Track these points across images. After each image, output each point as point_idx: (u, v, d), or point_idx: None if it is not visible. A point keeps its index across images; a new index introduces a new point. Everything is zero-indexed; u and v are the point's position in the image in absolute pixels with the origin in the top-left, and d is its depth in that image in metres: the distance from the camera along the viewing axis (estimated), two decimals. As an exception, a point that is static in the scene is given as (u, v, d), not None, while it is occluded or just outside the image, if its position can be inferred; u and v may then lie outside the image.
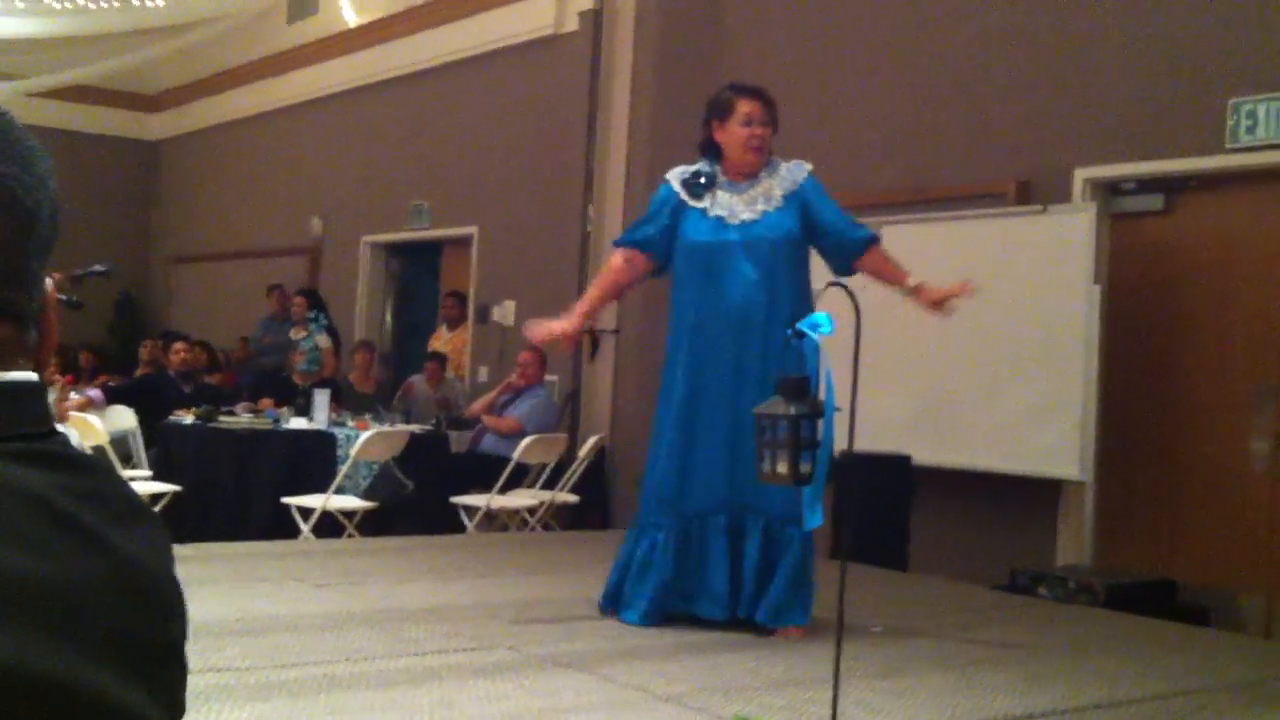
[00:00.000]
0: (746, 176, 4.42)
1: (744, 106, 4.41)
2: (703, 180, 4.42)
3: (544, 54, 9.85)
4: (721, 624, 4.35)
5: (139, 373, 10.65)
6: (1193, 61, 6.08)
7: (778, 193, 4.38)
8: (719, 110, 4.46)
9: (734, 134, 4.40)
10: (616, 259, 4.62)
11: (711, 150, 4.48)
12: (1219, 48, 5.99)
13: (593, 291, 4.70)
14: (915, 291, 4.41)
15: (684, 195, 4.44)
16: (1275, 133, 5.74)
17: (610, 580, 4.53)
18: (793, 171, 4.45)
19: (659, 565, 4.38)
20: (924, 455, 6.53)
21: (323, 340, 10.27)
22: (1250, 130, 5.82)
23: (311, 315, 10.31)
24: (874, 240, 4.50)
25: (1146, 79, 6.26)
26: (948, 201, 6.99)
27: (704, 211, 4.41)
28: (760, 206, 4.37)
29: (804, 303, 4.32)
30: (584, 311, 4.57)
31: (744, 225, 4.35)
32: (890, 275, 4.46)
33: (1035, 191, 6.64)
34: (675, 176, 4.50)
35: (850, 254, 4.45)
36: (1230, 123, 5.88)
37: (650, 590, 4.37)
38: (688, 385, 4.40)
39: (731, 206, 4.38)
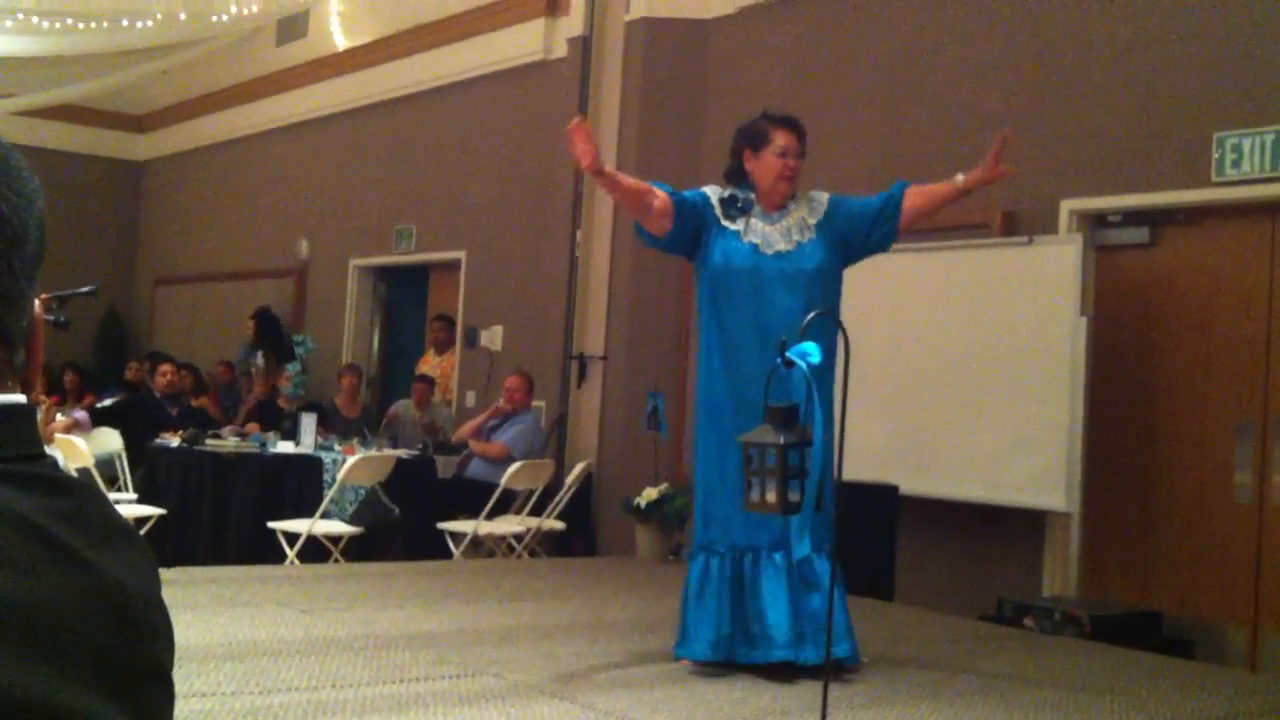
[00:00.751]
0: (777, 206, 4.43)
1: (780, 139, 4.42)
2: (739, 204, 4.41)
3: (533, 79, 9.88)
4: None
5: (119, 398, 10.60)
6: (1178, 95, 6.13)
7: (810, 221, 4.41)
8: (753, 139, 4.46)
9: (768, 164, 4.41)
10: (652, 191, 4.53)
11: (738, 178, 4.46)
12: (1204, 82, 6.04)
13: (623, 177, 4.57)
14: (967, 184, 4.42)
15: (719, 211, 4.43)
16: (1259, 167, 5.78)
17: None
18: (818, 198, 4.48)
19: (717, 592, 4.29)
20: (910, 485, 6.55)
21: (258, 359, 10.28)
22: (1235, 164, 5.86)
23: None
24: (904, 186, 4.50)
25: (1132, 112, 6.30)
26: (934, 232, 7.01)
27: (739, 235, 4.39)
28: (795, 237, 4.38)
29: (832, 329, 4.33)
30: (611, 172, 4.46)
31: (780, 255, 4.35)
32: (937, 197, 4.47)
33: (1021, 223, 6.68)
34: (712, 191, 4.49)
35: (893, 214, 4.45)
36: (1215, 156, 5.93)
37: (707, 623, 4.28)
38: (724, 410, 4.36)
39: (766, 235, 4.37)
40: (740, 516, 4.25)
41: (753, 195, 4.42)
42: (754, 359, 4.30)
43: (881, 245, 4.54)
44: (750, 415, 4.24)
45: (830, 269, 4.40)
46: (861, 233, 4.44)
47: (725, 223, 4.40)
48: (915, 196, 4.45)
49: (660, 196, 4.38)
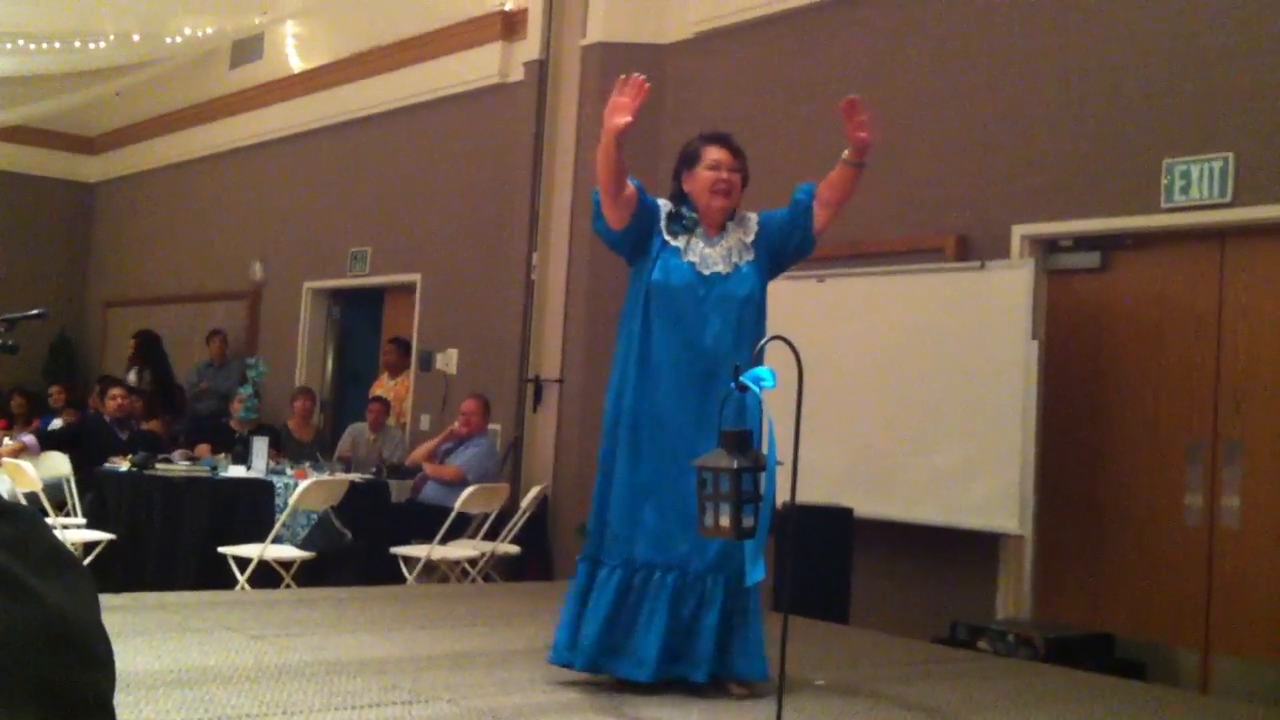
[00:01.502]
0: (717, 227, 4.40)
1: (712, 153, 4.41)
2: (684, 221, 4.40)
3: (489, 102, 9.89)
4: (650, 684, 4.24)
5: (63, 420, 10.48)
6: (1128, 122, 6.21)
7: (747, 240, 4.39)
8: (688, 159, 4.45)
9: (701, 179, 4.38)
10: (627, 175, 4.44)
11: (679, 201, 4.45)
12: (1153, 109, 6.12)
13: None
14: (851, 156, 4.34)
15: (664, 224, 4.41)
16: (1208, 193, 5.86)
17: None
18: (749, 218, 4.45)
19: (597, 604, 4.26)
20: (864, 507, 6.57)
21: (132, 377, 10.21)
22: (1184, 190, 5.94)
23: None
24: (812, 186, 4.44)
25: (1083, 139, 6.37)
26: (886, 257, 7.07)
27: (679, 252, 4.38)
28: (734, 259, 4.36)
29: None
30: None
31: (718, 278, 4.34)
32: (838, 183, 4.37)
33: (973, 247, 6.73)
34: (663, 204, 4.47)
35: (804, 214, 4.40)
36: (1165, 183, 6.00)
37: (591, 627, 4.25)
38: (642, 423, 4.33)
39: (705, 256, 4.35)
40: (642, 533, 4.24)
41: (696, 215, 4.41)
42: (674, 378, 4.28)
43: (802, 249, 4.47)
44: (668, 433, 4.25)
45: (761, 294, 4.39)
46: (785, 241, 4.42)
47: (668, 237, 4.40)
48: (821, 190, 4.41)
49: (630, 187, 4.38)
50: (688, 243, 4.37)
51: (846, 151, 4.33)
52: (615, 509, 4.32)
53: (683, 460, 4.14)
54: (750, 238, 4.39)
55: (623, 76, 4.31)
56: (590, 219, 4.56)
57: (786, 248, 4.43)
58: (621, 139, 4.25)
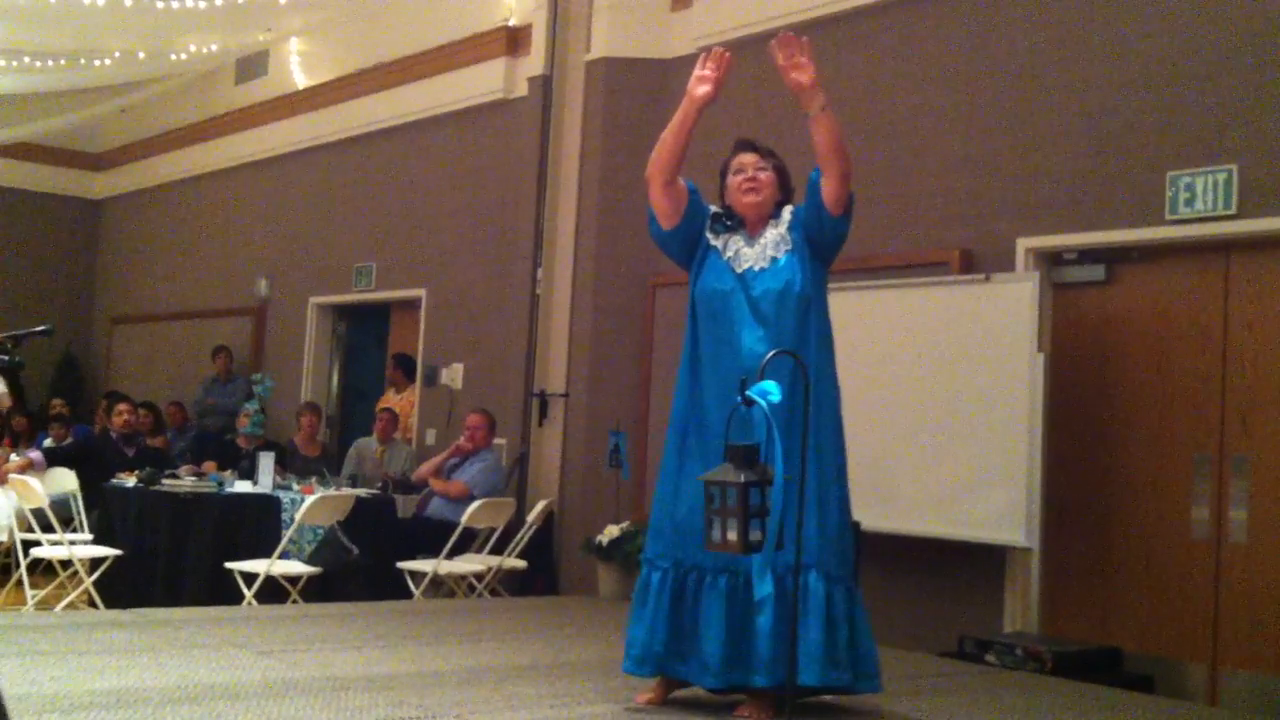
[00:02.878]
0: (757, 228, 4.41)
1: (737, 160, 4.45)
2: (727, 222, 4.41)
3: (494, 118, 9.91)
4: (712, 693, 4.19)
5: (53, 436, 10.48)
6: (1132, 135, 6.21)
7: (783, 230, 4.37)
8: (722, 174, 4.51)
9: (731, 186, 4.43)
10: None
11: (728, 209, 4.47)
12: (1158, 122, 6.13)
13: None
14: (805, 106, 4.27)
15: (709, 224, 4.43)
16: (1212, 205, 5.86)
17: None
18: (785, 211, 4.44)
19: (654, 607, 4.22)
20: (870, 521, 6.55)
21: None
22: (1189, 203, 5.94)
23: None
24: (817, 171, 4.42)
25: (1088, 152, 6.38)
26: (892, 270, 7.07)
27: (719, 252, 4.40)
28: (771, 253, 4.34)
29: (821, 349, 4.28)
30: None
31: (750, 274, 4.33)
32: (815, 141, 4.28)
33: (978, 261, 6.73)
34: (711, 207, 4.49)
35: (815, 186, 4.35)
36: (1169, 195, 6.00)
37: (657, 631, 4.20)
38: (689, 428, 4.32)
39: (741, 252, 4.36)
40: (675, 532, 4.23)
41: (741, 217, 4.43)
42: (715, 380, 4.28)
43: (824, 225, 4.33)
44: (711, 436, 4.22)
45: (804, 283, 4.30)
46: (810, 220, 4.36)
47: (710, 236, 4.42)
48: (818, 160, 4.36)
49: (681, 183, 4.40)
50: (727, 242, 4.40)
51: (815, 108, 4.23)
52: (659, 511, 4.33)
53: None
54: (784, 227, 4.38)
55: (705, 51, 4.30)
56: (646, 223, 4.51)
57: (813, 227, 4.35)
58: (702, 111, 4.27)
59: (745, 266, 4.33)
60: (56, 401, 12.38)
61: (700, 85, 4.29)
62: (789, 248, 4.34)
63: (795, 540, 3.65)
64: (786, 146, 7.74)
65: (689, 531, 4.15)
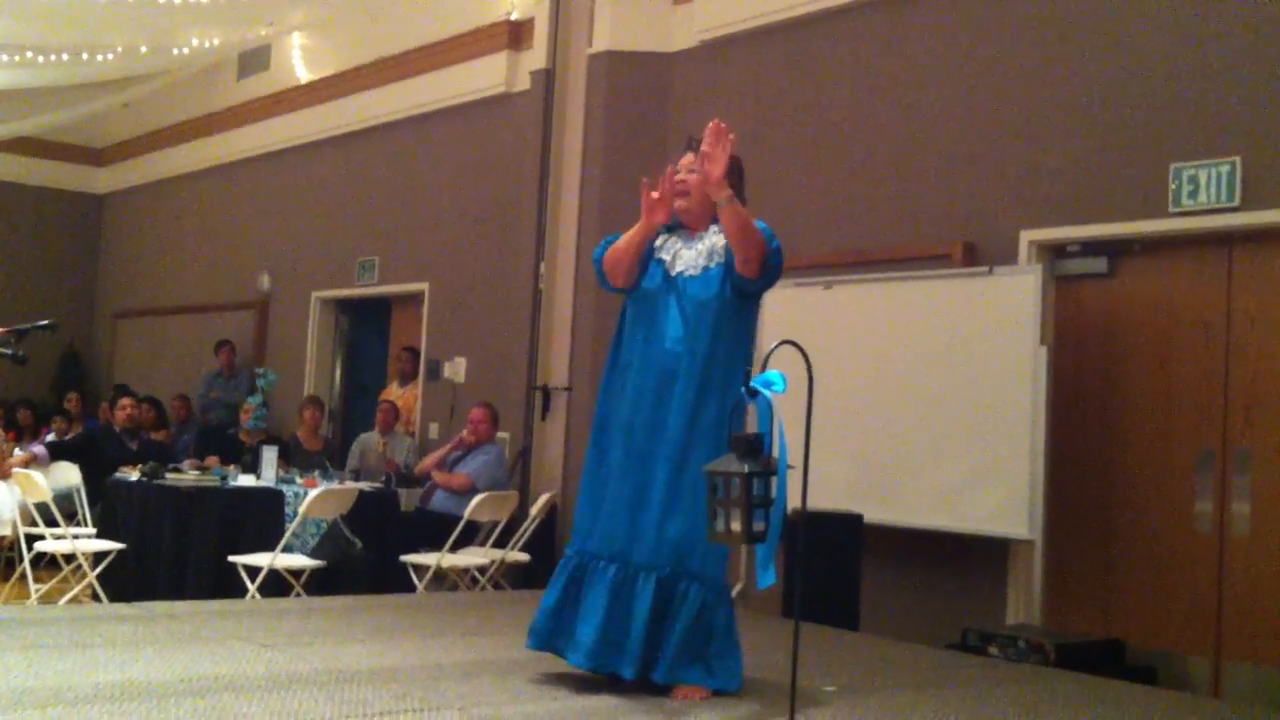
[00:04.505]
0: (696, 229, 4.38)
1: (679, 161, 4.42)
2: (669, 224, 4.39)
3: (496, 112, 9.90)
4: (592, 678, 4.26)
5: (57, 427, 10.50)
6: (1135, 127, 6.21)
7: (721, 244, 4.32)
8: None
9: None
10: None
11: None
12: (1160, 114, 6.12)
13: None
14: (716, 196, 4.15)
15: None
16: (1215, 197, 5.86)
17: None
18: None
19: (550, 590, 4.38)
20: (873, 514, 6.56)
21: None
22: (1192, 195, 5.94)
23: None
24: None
25: (1090, 144, 6.38)
26: (894, 263, 7.07)
27: (655, 251, 4.38)
28: (703, 262, 4.32)
29: (720, 364, 4.22)
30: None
31: (681, 278, 4.31)
32: (730, 226, 4.14)
33: (981, 253, 6.73)
34: None
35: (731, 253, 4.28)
36: (1172, 187, 6.00)
37: (541, 612, 4.38)
38: (608, 423, 4.36)
39: (677, 254, 4.34)
40: (591, 525, 4.31)
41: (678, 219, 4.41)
42: (636, 379, 4.28)
43: (742, 282, 4.24)
44: (625, 433, 4.26)
45: (733, 297, 4.26)
46: (731, 268, 4.30)
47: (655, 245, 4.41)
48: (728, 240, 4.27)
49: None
50: (665, 241, 4.37)
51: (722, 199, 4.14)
52: (581, 504, 4.40)
53: (635, 459, 4.22)
54: (725, 241, 4.30)
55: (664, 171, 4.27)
56: (594, 266, 4.48)
57: (733, 274, 4.26)
58: (655, 232, 4.27)
59: (678, 271, 4.32)
60: (73, 396, 12.37)
61: (656, 213, 4.22)
62: (721, 260, 4.29)
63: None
64: (783, 137, 7.78)
65: (599, 523, 4.29)
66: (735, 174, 4.34)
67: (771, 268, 4.24)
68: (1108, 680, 5.16)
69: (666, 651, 4.16)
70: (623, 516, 4.24)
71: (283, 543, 6.95)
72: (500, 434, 8.84)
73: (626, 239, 4.32)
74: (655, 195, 4.22)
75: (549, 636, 4.36)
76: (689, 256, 4.32)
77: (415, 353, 10.41)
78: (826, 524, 6.24)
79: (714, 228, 4.34)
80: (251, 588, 6.75)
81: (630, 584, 4.22)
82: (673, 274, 4.31)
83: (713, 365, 4.22)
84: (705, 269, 4.29)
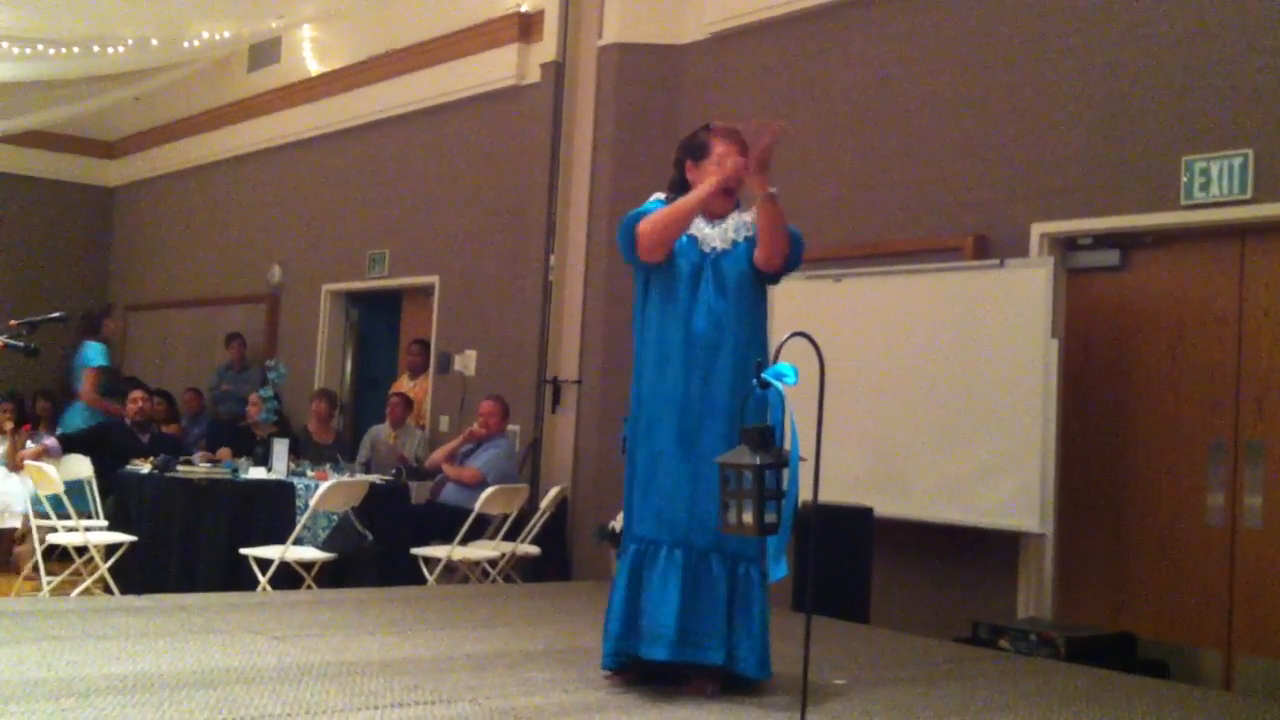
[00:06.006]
0: (717, 215, 4.38)
1: (719, 148, 4.39)
2: None
3: (506, 104, 9.90)
4: (670, 666, 4.17)
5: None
6: (1147, 119, 6.19)
7: (746, 220, 4.32)
8: (694, 151, 4.42)
9: (707, 174, 4.34)
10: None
11: (681, 190, 4.42)
12: (1172, 106, 6.10)
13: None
14: (761, 189, 4.19)
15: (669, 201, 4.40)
16: (1227, 190, 5.84)
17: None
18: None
19: (615, 595, 4.25)
20: (883, 507, 6.55)
21: None
22: (1203, 188, 5.92)
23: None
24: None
25: (1102, 136, 6.36)
26: (905, 256, 7.06)
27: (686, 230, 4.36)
28: (733, 236, 4.33)
29: (756, 336, 4.30)
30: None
31: (716, 253, 4.32)
32: (765, 223, 4.22)
33: (992, 246, 6.72)
34: (662, 197, 4.45)
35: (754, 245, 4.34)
36: (1184, 180, 5.98)
37: (613, 623, 4.24)
38: (653, 404, 4.30)
39: (705, 234, 4.34)
40: (641, 511, 4.23)
41: None
42: (678, 356, 4.24)
43: (760, 273, 4.32)
44: (669, 409, 4.22)
45: (755, 273, 4.32)
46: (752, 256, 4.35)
47: None
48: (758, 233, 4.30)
49: None
50: (695, 220, 4.36)
51: (763, 194, 4.18)
52: (631, 492, 4.33)
53: (687, 438, 4.18)
54: (752, 220, 4.31)
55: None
56: (619, 237, 4.42)
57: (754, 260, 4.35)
58: (763, 187, 4.19)
59: (711, 246, 4.32)
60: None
61: (736, 174, 4.23)
62: (749, 234, 4.31)
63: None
64: (793, 130, 7.75)
65: (657, 508, 4.22)
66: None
67: (794, 260, 4.34)
68: (1119, 674, 5.15)
69: (754, 645, 4.11)
70: (682, 499, 4.17)
71: (294, 535, 6.96)
72: (510, 426, 8.85)
73: (675, 210, 4.27)
74: (741, 167, 4.18)
75: (623, 639, 4.22)
76: (716, 233, 4.33)
77: (426, 345, 10.42)
78: (837, 517, 6.24)
79: (732, 215, 4.37)
80: (263, 580, 6.76)
81: (703, 569, 4.15)
82: (705, 249, 4.31)
83: (754, 340, 4.25)
84: (734, 243, 4.32)
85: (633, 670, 4.26)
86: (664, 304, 4.33)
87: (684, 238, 4.32)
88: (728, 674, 4.16)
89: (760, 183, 4.15)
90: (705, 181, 4.28)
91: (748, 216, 4.34)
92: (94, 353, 9.61)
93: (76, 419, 9.33)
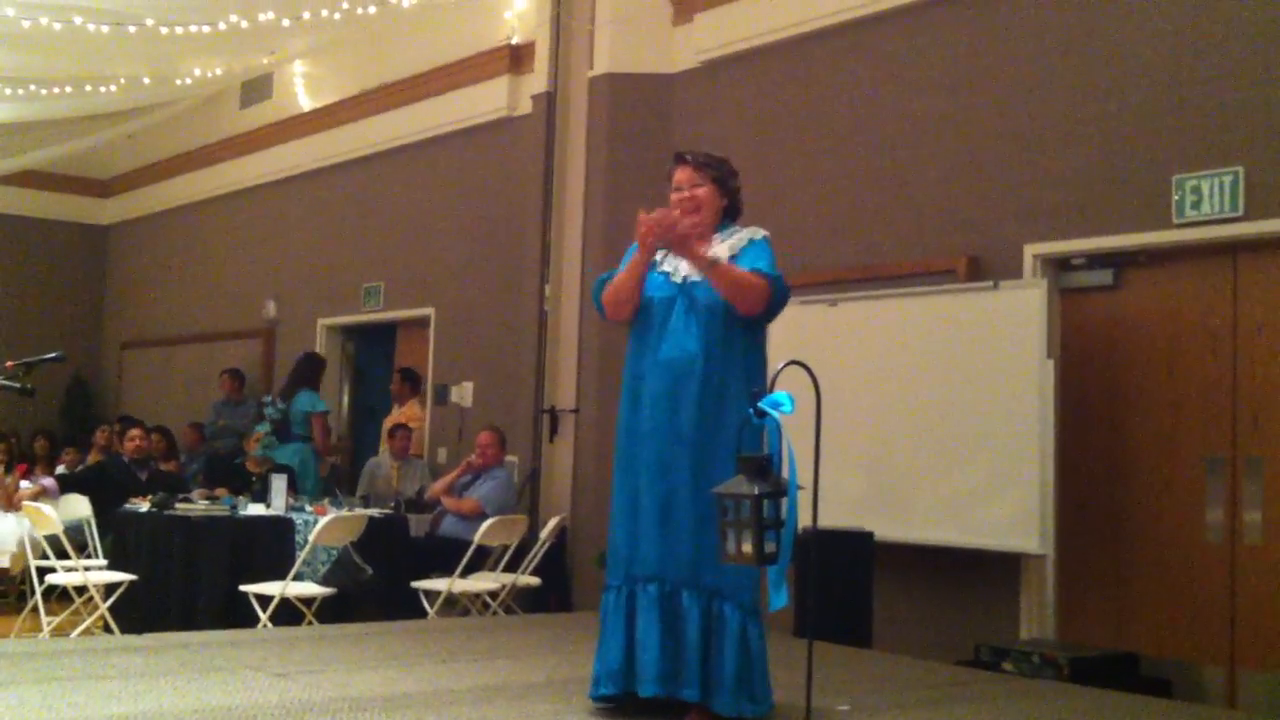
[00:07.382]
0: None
1: (675, 175, 4.41)
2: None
3: (498, 136, 9.94)
4: (658, 704, 4.14)
5: (91, 458, 10.52)
6: (1137, 139, 6.22)
7: (725, 254, 4.32)
8: (668, 182, 4.48)
9: (671, 202, 4.37)
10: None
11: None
12: (1163, 125, 6.13)
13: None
14: (699, 262, 4.20)
15: None
16: (1219, 208, 5.86)
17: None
18: (744, 234, 4.39)
19: (611, 629, 4.22)
20: (883, 531, 6.55)
21: None
22: (1195, 206, 5.94)
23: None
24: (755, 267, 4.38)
25: (1093, 156, 6.38)
26: (899, 278, 7.07)
27: (656, 264, 4.37)
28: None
29: (734, 366, 4.21)
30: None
31: (689, 281, 4.30)
32: (724, 290, 4.20)
33: (986, 268, 6.74)
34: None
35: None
36: (1175, 198, 6.01)
37: (604, 658, 4.22)
38: (629, 439, 4.30)
39: (678, 264, 4.33)
40: (628, 550, 4.21)
41: None
42: (650, 388, 4.23)
43: (745, 318, 4.27)
44: (645, 444, 4.20)
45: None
46: None
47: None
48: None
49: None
50: (665, 256, 4.35)
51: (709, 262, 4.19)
52: (614, 527, 4.32)
53: (658, 470, 4.15)
54: (730, 251, 4.29)
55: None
56: (592, 302, 4.48)
57: None
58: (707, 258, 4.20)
59: (683, 276, 4.30)
60: (105, 429, 12.07)
61: (648, 243, 4.24)
62: (729, 256, 4.28)
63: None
64: (785, 155, 7.79)
65: (634, 544, 4.21)
66: (731, 177, 4.45)
67: (775, 306, 4.27)
68: (1122, 694, 5.14)
69: (725, 682, 4.04)
70: (654, 533, 4.15)
71: (293, 571, 6.94)
72: (509, 457, 8.84)
73: (625, 273, 4.32)
74: (652, 222, 4.19)
75: (621, 678, 4.18)
76: (686, 263, 4.30)
77: (406, 373, 10.36)
78: (837, 542, 6.23)
79: (716, 237, 4.35)
80: (263, 617, 6.74)
81: (674, 604, 4.12)
82: (678, 280, 4.30)
83: (730, 368, 4.17)
84: None
85: (628, 701, 4.23)
86: (638, 336, 4.35)
87: (656, 273, 4.32)
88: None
89: (694, 257, 4.15)
90: (640, 246, 4.26)
91: (729, 249, 4.30)
92: (315, 399, 10.05)
93: (296, 459, 9.63)
